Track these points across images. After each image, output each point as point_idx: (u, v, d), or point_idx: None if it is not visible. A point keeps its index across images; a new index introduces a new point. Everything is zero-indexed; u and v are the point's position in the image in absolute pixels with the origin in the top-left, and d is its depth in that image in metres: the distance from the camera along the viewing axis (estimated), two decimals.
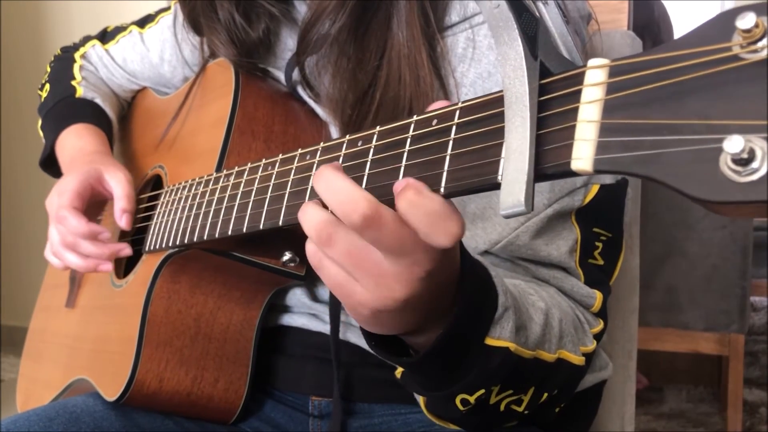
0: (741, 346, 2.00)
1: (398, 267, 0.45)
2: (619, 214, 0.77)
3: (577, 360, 0.66)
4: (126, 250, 0.85)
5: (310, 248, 0.47)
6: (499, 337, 0.57)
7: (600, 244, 0.74)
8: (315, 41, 0.76)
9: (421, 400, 0.65)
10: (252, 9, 0.84)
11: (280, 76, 0.86)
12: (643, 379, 2.49)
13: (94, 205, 0.90)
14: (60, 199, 0.86)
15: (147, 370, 0.76)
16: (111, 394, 0.78)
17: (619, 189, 0.76)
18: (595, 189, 0.72)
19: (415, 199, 0.42)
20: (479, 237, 0.72)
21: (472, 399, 0.58)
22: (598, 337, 0.72)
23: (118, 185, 0.87)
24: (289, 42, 0.87)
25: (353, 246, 0.45)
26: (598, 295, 0.72)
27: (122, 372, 0.77)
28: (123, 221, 0.85)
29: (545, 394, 0.64)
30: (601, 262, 0.74)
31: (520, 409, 0.63)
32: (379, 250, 0.45)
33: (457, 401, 0.58)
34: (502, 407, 0.61)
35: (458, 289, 0.52)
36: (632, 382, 1.01)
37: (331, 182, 0.44)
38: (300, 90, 0.83)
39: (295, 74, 0.83)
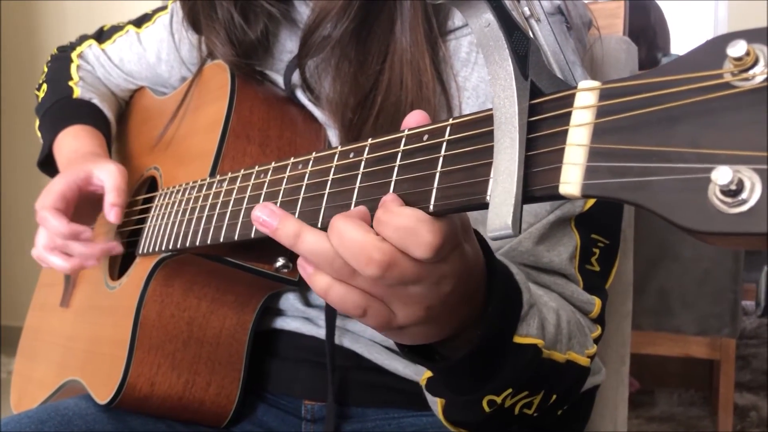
0: (732, 350, 2.00)
1: (424, 287, 0.45)
2: (617, 220, 0.77)
3: (584, 362, 0.67)
4: (117, 248, 0.85)
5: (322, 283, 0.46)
6: (527, 335, 0.57)
7: (597, 251, 0.74)
8: (317, 44, 0.76)
9: (438, 405, 0.65)
10: (251, 8, 0.84)
11: (277, 79, 0.86)
12: (635, 383, 2.49)
13: (90, 205, 0.89)
14: (44, 200, 0.85)
15: (138, 373, 0.76)
16: (102, 397, 0.78)
17: None
18: None
19: (382, 218, 0.42)
20: None
21: (499, 399, 0.58)
22: (596, 341, 0.72)
23: (109, 177, 0.85)
24: (287, 44, 0.87)
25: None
26: (597, 302, 0.72)
27: (114, 375, 0.77)
28: (112, 215, 0.83)
29: (554, 396, 0.64)
30: (597, 268, 0.74)
31: (531, 411, 0.63)
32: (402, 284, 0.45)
33: (485, 403, 0.58)
34: (516, 410, 0.61)
35: (488, 290, 0.52)
36: (625, 386, 1.01)
37: (344, 235, 0.43)
38: (299, 93, 0.83)
39: (295, 77, 0.83)
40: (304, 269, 0.47)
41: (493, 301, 0.52)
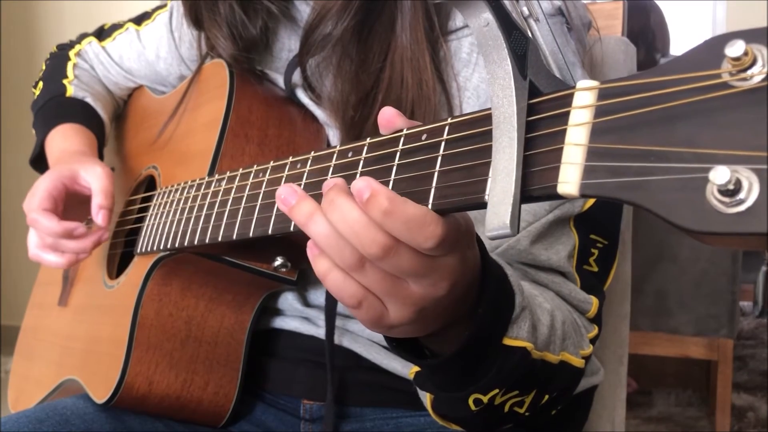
0: (730, 351, 2.00)
1: (422, 288, 0.45)
2: (616, 222, 0.77)
3: (578, 362, 0.67)
4: (104, 235, 0.84)
5: (323, 266, 0.46)
6: (517, 337, 0.57)
7: (596, 251, 0.74)
8: (318, 42, 0.76)
9: (427, 399, 0.65)
10: (251, 5, 0.84)
11: (277, 78, 0.86)
12: (633, 383, 2.50)
13: (78, 204, 0.89)
14: (31, 201, 0.85)
15: (137, 372, 0.76)
16: (100, 396, 0.78)
17: None
18: None
19: (390, 209, 0.41)
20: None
21: (485, 399, 0.58)
22: (592, 342, 0.72)
23: (96, 180, 0.85)
24: (286, 42, 0.87)
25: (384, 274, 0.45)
26: (594, 301, 0.72)
27: (112, 374, 0.77)
28: (99, 218, 0.83)
29: (546, 396, 0.65)
30: (595, 268, 0.74)
31: (522, 411, 0.63)
32: (401, 276, 0.45)
33: (471, 401, 0.59)
34: (506, 408, 0.61)
35: (481, 290, 0.52)
36: (623, 387, 1.01)
37: (346, 213, 0.43)
38: (300, 92, 0.83)
39: (296, 76, 0.83)
40: (311, 249, 0.46)
41: (483, 304, 0.52)
